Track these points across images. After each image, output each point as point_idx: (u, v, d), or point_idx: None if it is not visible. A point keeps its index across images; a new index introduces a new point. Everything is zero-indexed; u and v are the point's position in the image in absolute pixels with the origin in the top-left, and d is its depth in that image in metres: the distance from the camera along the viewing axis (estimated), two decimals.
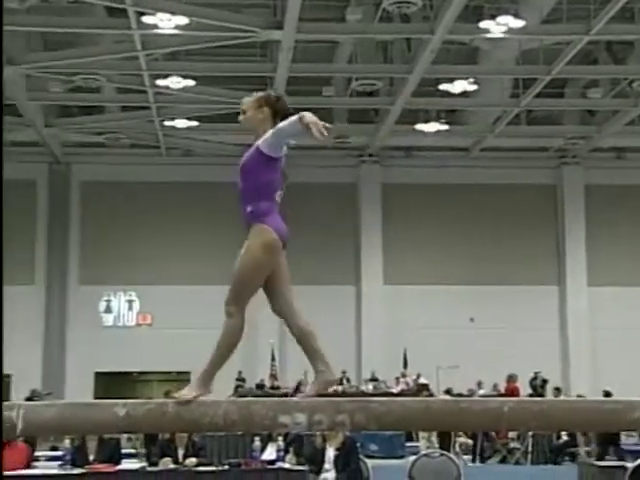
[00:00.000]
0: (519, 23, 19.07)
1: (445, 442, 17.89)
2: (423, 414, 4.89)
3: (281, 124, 4.87)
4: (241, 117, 5.21)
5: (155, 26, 19.14)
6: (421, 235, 28.78)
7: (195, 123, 25.90)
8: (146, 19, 18.89)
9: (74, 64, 21.27)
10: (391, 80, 24.11)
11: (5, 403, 4.67)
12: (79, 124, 26.12)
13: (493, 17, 19.21)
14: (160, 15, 18.67)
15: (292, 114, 4.93)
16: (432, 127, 25.84)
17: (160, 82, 22.50)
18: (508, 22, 19.06)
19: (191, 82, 22.74)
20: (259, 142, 5.03)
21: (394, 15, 20.12)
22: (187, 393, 4.77)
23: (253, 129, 5.14)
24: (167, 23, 19.02)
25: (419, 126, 25.91)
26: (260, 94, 5.22)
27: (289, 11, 18.11)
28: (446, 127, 25.93)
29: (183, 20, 19.06)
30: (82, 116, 26.05)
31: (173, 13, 18.70)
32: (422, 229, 28.78)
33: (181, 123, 25.78)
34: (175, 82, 22.52)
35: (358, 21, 20.09)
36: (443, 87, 23.36)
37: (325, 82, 24.42)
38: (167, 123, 25.69)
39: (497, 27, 19.25)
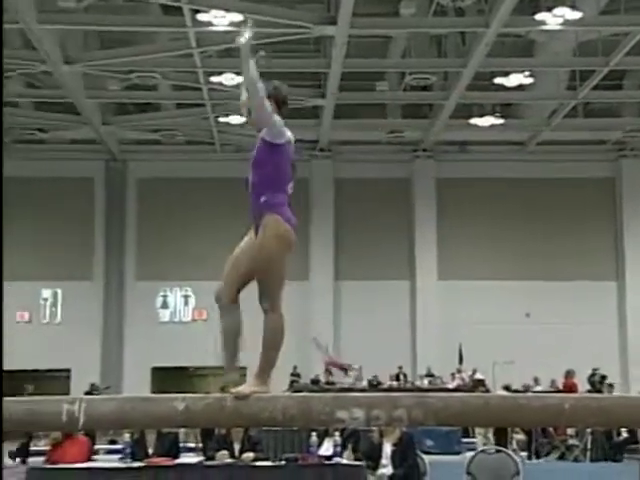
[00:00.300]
0: (576, 15, 18.80)
1: (502, 438, 17.73)
2: (482, 410, 4.86)
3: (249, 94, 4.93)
4: (247, 117, 5.18)
5: (209, 23, 19.26)
6: (476, 230, 28.55)
7: None
8: (201, 16, 19.02)
9: (130, 62, 21.52)
10: (445, 74, 23.96)
11: (67, 397, 4.75)
12: (135, 121, 26.42)
13: (549, 9, 18.97)
14: (214, 12, 18.79)
15: (287, 101, 5.11)
16: (487, 121, 25.61)
17: (214, 79, 22.64)
18: (565, 14, 18.80)
19: None
20: (262, 133, 5.01)
21: (448, 9, 20.01)
22: (245, 389, 4.80)
23: (253, 123, 5.11)
24: (221, 20, 19.12)
25: (474, 120, 25.70)
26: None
27: (343, 6, 18.09)
28: (501, 121, 25.68)
29: (237, 17, 19.14)
30: (138, 113, 26.35)
31: (227, 10, 18.80)
32: (477, 224, 28.56)
33: (235, 119, 25.88)
34: (229, 79, 22.62)
35: (412, 15, 20.00)
36: (498, 80, 23.13)
37: (379, 77, 24.36)
38: (221, 119, 25.83)
39: (554, 19, 19.00)
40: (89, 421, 4.68)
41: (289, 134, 5.04)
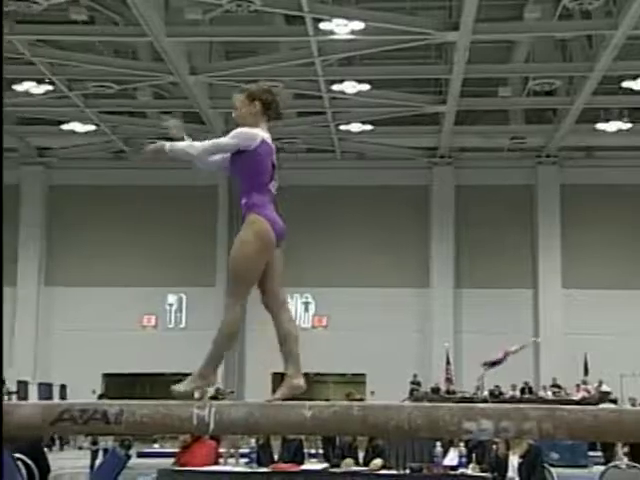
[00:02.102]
0: None
1: (637, 454, 17.07)
2: (615, 425, 4.70)
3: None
4: (234, 113, 5.14)
5: (331, 32, 19.40)
6: (602, 238, 27.77)
7: (369, 127, 26.06)
8: (323, 25, 19.18)
9: (253, 71, 21.83)
10: (570, 79, 23.43)
11: (197, 402, 4.83)
12: None
13: None
14: (336, 21, 18.92)
15: (278, 105, 5.00)
16: (614, 126, 24.93)
17: (335, 87, 22.78)
18: None
19: (366, 86, 22.90)
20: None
21: (574, 12, 19.56)
22: (185, 386, 4.80)
23: (246, 124, 5.04)
24: (343, 29, 19.25)
25: (600, 125, 25.06)
26: (250, 88, 5.12)
27: (465, 12, 17.93)
28: (629, 125, 24.94)
29: (359, 25, 19.23)
30: None
31: (349, 18, 18.91)
32: (603, 231, 27.78)
33: (356, 127, 26.01)
34: (350, 87, 22.74)
35: (536, 19, 19.64)
36: (626, 84, 22.48)
37: (501, 82, 24.00)
38: (342, 127, 25.98)
39: None
40: (218, 426, 4.74)
41: (263, 135, 4.96)
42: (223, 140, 5.01)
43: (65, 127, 26.31)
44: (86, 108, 24.47)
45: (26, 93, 23.49)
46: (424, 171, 28.74)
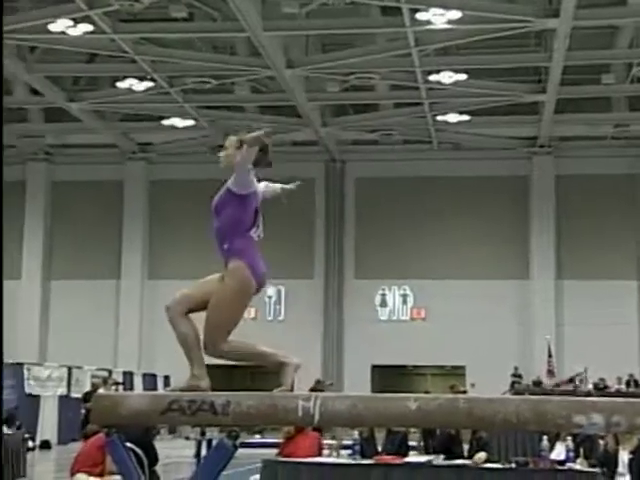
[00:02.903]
0: None
1: None
2: None
3: (237, 158, 4.86)
4: (221, 154, 5.06)
5: (428, 22, 19.25)
6: None
7: (467, 117, 25.79)
8: (419, 15, 19.04)
9: (350, 64, 21.86)
10: None
11: (302, 393, 4.86)
12: (354, 122, 26.83)
13: None
14: (433, 10, 18.75)
15: (268, 153, 5.02)
16: None
17: (432, 77, 22.61)
18: None
19: (463, 76, 22.66)
20: (229, 182, 4.93)
21: None
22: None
23: (231, 167, 4.97)
24: (440, 18, 19.07)
25: None
26: (241, 135, 5.04)
27: None
28: None
29: (456, 14, 19.02)
30: (356, 114, 26.73)
31: (446, 8, 18.71)
32: None
33: (453, 117, 25.77)
34: (447, 77, 22.53)
35: None
36: None
37: (604, 69, 23.41)
38: (439, 118, 25.77)
39: None
40: (323, 418, 4.76)
41: (257, 185, 4.96)
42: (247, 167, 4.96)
43: (165, 122, 26.83)
44: (185, 103, 24.90)
45: (128, 90, 24.05)
46: (523, 161, 28.30)
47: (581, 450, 9.08)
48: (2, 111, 18.32)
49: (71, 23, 19.68)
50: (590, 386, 22.28)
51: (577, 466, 8.53)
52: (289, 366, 5.02)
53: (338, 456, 10.37)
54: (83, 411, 17.47)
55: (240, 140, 4.96)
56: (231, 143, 5.05)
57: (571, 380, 22.84)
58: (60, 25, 19.74)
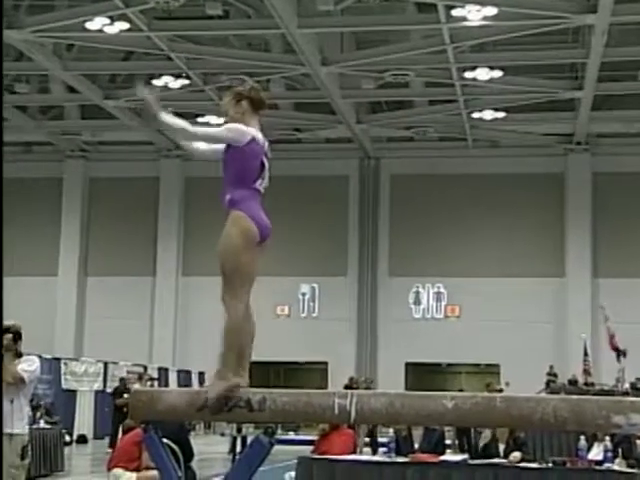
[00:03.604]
0: None
1: None
2: None
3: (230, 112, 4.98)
4: (224, 119, 5.04)
5: (464, 18, 19.15)
6: None
7: (502, 114, 25.62)
8: (455, 12, 18.96)
9: (384, 61, 21.80)
10: None
11: (338, 391, 4.86)
12: (388, 119, 26.76)
13: None
14: (469, 7, 18.65)
15: (264, 101, 5.00)
16: None
17: (467, 74, 22.49)
18: None
19: (498, 73, 22.52)
20: None
21: None
22: (210, 393, 4.62)
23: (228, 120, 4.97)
24: (476, 15, 18.97)
25: None
26: (235, 89, 5.08)
27: None
28: None
29: (492, 11, 18.90)
30: (391, 111, 26.67)
31: (482, 4, 18.60)
32: None
33: (488, 114, 25.61)
34: (482, 73, 22.41)
35: None
36: None
37: None
38: (474, 115, 25.63)
39: None
40: (360, 415, 4.75)
41: (254, 134, 4.87)
42: (216, 131, 5.00)
43: (200, 120, 26.91)
44: (220, 101, 24.93)
45: (164, 87, 24.16)
46: (559, 158, 28.08)
47: (619, 450, 8.98)
48: (2, 109, 18.52)
49: (108, 21, 19.84)
50: (627, 385, 22.02)
51: (615, 467, 8.44)
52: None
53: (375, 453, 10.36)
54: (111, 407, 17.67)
55: (235, 96, 5.05)
56: (227, 103, 5.11)
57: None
58: (97, 23, 19.90)
